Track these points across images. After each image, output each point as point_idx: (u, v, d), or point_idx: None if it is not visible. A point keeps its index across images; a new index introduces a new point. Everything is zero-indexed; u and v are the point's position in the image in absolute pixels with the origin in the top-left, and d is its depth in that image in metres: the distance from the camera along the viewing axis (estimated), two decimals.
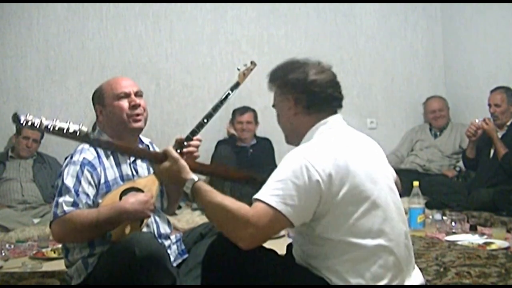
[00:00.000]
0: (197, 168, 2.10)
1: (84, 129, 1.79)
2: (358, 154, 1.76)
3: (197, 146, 2.29)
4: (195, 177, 1.80)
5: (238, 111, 4.87)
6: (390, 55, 5.54)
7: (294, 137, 1.87)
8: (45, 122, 1.72)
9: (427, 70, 5.62)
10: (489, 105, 4.33)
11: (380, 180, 1.76)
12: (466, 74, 5.31)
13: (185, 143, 2.28)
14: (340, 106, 1.90)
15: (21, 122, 1.71)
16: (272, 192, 1.65)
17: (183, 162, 1.85)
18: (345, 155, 1.71)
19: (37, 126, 1.72)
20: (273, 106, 1.93)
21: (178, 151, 2.25)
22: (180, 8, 5.06)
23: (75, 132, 1.77)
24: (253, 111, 4.90)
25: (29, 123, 1.71)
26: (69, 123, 1.77)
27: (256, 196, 1.67)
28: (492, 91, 4.35)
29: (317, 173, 1.65)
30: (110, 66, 4.88)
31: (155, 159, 1.92)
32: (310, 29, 5.34)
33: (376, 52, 5.50)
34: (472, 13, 5.15)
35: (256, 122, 4.93)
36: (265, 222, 1.62)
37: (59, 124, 1.75)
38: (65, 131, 1.76)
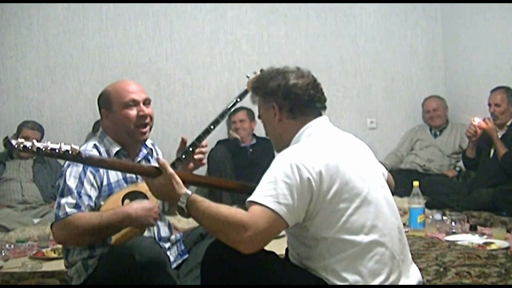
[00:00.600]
0: (192, 179, 2.10)
1: (76, 147, 1.78)
2: (347, 152, 1.79)
3: (205, 153, 2.32)
4: (188, 191, 1.79)
5: (232, 112, 4.86)
6: (390, 55, 5.54)
7: (283, 144, 1.89)
8: (37, 144, 1.71)
9: (427, 70, 5.62)
10: (489, 104, 4.34)
11: (370, 177, 1.79)
12: (466, 74, 5.31)
13: (190, 149, 2.29)
14: (324, 107, 1.93)
15: (13, 145, 1.69)
16: (265, 193, 1.67)
17: (177, 178, 1.82)
18: (334, 154, 1.74)
19: (29, 149, 1.70)
20: (259, 117, 1.96)
21: (183, 156, 2.26)
22: (180, 8, 5.06)
23: (67, 151, 1.76)
24: (247, 109, 4.87)
25: (21, 146, 1.69)
26: (60, 143, 1.76)
27: (249, 198, 1.68)
28: (492, 91, 4.36)
29: (308, 171, 1.67)
30: (110, 66, 4.88)
31: (149, 174, 1.87)
32: (310, 29, 5.34)
33: (376, 52, 5.50)
34: (472, 13, 5.15)
35: (251, 120, 4.91)
36: (261, 223, 1.63)
37: (51, 145, 1.73)
38: (57, 151, 1.74)
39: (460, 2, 5.27)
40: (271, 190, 1.66)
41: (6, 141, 1.71)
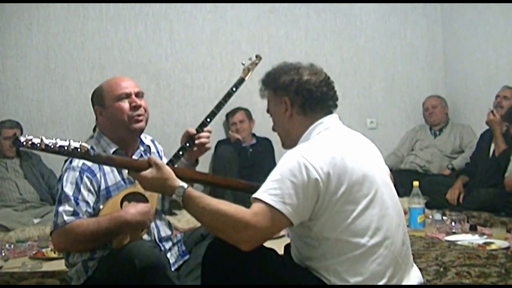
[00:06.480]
0: (196, 177, 2.08)
1: (85, 145, 1.74)
2: (355, 153, 1.76)
3: (207, 137, 2.25)
4: (184, 184, 1.75)
5: (230, 114, 4.90)
6: (390, 55, 5.54)
7: (291, 141, 1.87)
8: (45, 141, 1.67)
9: (427, 70, 5.62)
10: (497, 96, 4.40)
11: (377, 178, 1.76)
12: (466, 74, 5.31)
13: (187, 144, 2.24)
14: (335, 105, 1.90)
15: (22, 142, 1.66)
16: (271, 191, 1.65)
17: (168, 169, 1.79)
18: (342, 154, 1.71)
19: (38, 146, 1.66)
20: (267, 111, 1.94)
21: (187, 144, 2.23)
22: (180, 8, 5.06)
23: (76, 149, 1.72)
24: (244, 109, 4.92)
25: (29, 143, 1.66)
26: (70, 141, 1.73)
27: (254, 195, 1.67)
28: (504, 87, 4.44)
29: (316, 172, 1.65)
30: (110, 66, 4.88)
31: (140, 169, 1.82)
32: (310, 29, 5.34)
33: (376, 52, 5.50)
34: (472, 13, 5.15)
35: (250, 120, 4.96)
36: (265, 222, 1.62)
37: (60, 143, 1.69)
38: (66, 148, 1.70)
39: (460, 2, 5.27)
40: (277, 189, 1.64)
41: (15, 139, 1.69)
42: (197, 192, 1.73)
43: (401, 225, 1.81)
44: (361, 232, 1.69)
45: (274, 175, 1.69)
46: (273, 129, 1.95)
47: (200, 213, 1.70)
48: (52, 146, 1.69)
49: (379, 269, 1.69)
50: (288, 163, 1.68)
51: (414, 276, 1.83)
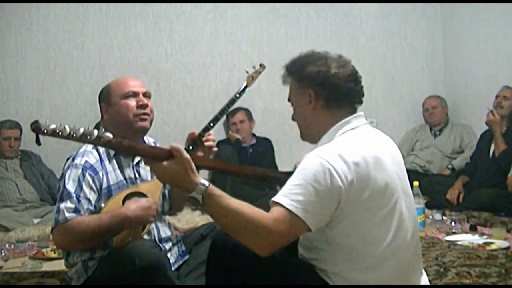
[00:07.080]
0: (213, 165, 2.07)
1: (108, 135, 1.66)
2: (379, 159, 1.69)
3: (214, 140, 2.27)
4: (205, 181, 1.62)
5: (230, 114, 4.88)
6: (390, 55, 5.54)
7: (311, 135, 1.79)
8: (67, 129, 1.59)
9: (427, 70, 5.62)
10: (497, 96, 4.39)
11: (398, 187, 1.71)
12: (466, 74, 5.32)
13: (191, 148, 2.24)
14: (361, 102, 1.81)
15: (43, 130, 1.57)
16: (292, 196, 1.57)
17: (193, 165, 1.63)
18: (367, 161, 1.64)
19: (59, 134, 1.59)
20: (289, 100, 1.85)
21: (191, 147, 2.23)
22: (180, 8, 5.06)
23: (99, 138, 1.64)
24: (244, 109, 4.92)
25: (51, 131, 1.58)
26: (93, 128, 1.66)
27: (276, 199, 1.60)
28: (504, 87, 4.43)
29: (340, 179, 1.58)
30: (110, 66, 4.88)
31: (160, 158, 1.67)
32: (310, 29, 5.34)
33: (376, 52, 5.50)
34: (472, 13, 5.16)
35: (250, 120, 4.96)
36: (285, 228, 1.56)
37: (82, 131, 1.62)
38: (89, 137, 1.63)
39: (460, 2, 5.27)
40: (299, 195, 1.57)
41: (36, 126, 1.58)
42: (218, 191, 1.62)
43: (415, 236, 1.76)
44: (375, 242, 1.65)
45: (296, 178, 1.61)
46: (293, 119, 1.85)
47: (219, 213, 1.62)
48: (74, 135, 1.61)
49: (386, 280, 1.66)
50: (312, 167, 1.60)
51: (422, 282, 1.81)
